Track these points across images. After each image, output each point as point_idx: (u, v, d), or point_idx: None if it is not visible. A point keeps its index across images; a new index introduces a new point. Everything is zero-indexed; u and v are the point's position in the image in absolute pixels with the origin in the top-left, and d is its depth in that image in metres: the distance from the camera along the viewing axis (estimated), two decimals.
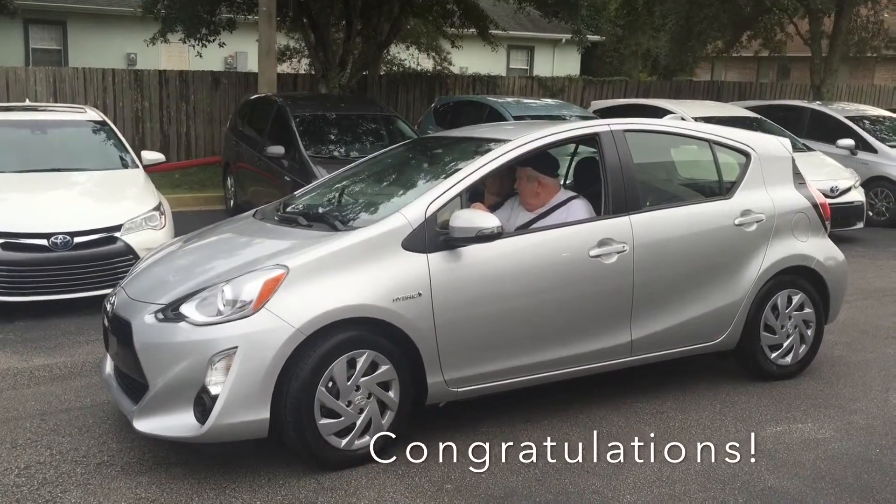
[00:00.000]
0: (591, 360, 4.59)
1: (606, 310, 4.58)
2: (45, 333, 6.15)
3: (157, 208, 7.24)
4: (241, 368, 3.66)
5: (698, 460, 4.10)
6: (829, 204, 10.36)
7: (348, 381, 3.87)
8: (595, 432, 4.40)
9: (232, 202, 11.55)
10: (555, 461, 4.07)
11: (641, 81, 22.84)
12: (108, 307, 4.34)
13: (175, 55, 21.40)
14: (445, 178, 4.39)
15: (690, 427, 4.52)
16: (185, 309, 3.84)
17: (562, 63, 27.51)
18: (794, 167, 5.43)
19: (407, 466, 3.99)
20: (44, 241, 6.53)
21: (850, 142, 12.66)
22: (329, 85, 14.56)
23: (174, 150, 16.18)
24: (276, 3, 13.26)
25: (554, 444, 4.25)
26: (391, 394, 4.01)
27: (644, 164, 5.04)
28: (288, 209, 4.92)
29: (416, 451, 4.11)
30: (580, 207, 4.79)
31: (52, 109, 9.08)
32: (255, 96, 12.18)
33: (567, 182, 5.49)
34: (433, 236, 4.11)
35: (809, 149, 12.02)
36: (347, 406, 3.89)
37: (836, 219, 10.80)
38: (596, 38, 24.11)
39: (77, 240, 6.62)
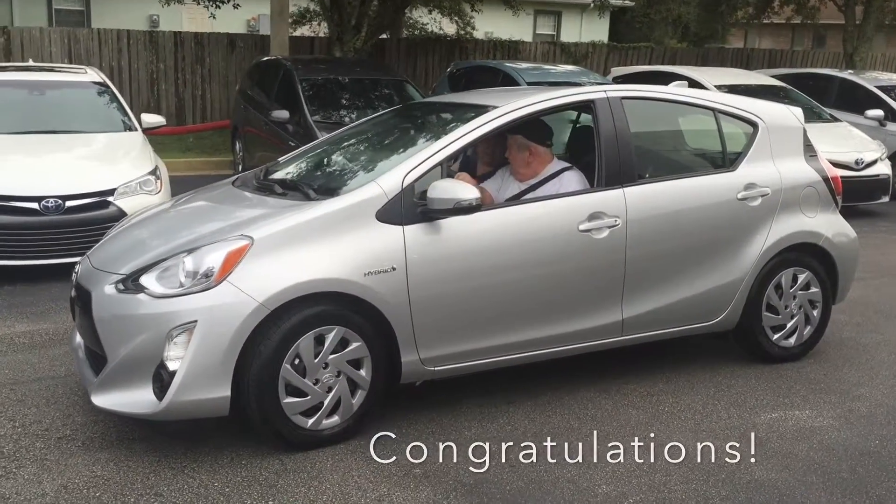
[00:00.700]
0: (578, 340, 4.37)
1: (596, 287, 4.35)
2: (33, 299, 6.05)
3: (153, 172, 7.09)
4: (200, 343, 3.48)
5: (683, 449, 3.88)
6: (854, 177, 10.21)
7: (316, 358, 3.69)
8: (579, 416, 4.20)
9: (241, 167, 11.38)
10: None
11: (670, 48, 22.25)
12: (74, 276, 4.18)
13: (197, 17, 21.14)
14: (426, 146, 4.16)
15: (681, 412, 4.30)
16: (145, 280, 3.67)
17: (590, 29, 26.89)
18: (806, 138, 5.13)
19: (378, 448, 3.80)
20: (35, 205, 6.41)
21: (879, 112, 12.19)
22: (343, 48, 14.27)
23: (189, 112, 16.06)
24: None
25: (534, 429, 4.06)
26: (362, 372, 3.83)
27: (643, 133, 4.77)
28: (268, 177, 4.72)
29: (385, 429, 3.95)
30: (573, 179, 4.54)
31: (52, 70, 8.93)
32: (265, 59, 11.96)
33: (564, 152, 5.23)
34: (410, 207, 3.89)
35: (836, 119, 11.60)
36: (315, 384, 3.72)
37: (861, 192, 10.48)
38: (622, 3, 23.55)
39: (69, 203, 6.50)
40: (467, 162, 5.22)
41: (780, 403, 4.43)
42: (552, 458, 3.78)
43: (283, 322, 3.60)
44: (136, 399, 3.61)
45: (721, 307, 4.72)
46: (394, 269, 3.80)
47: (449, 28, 21.80)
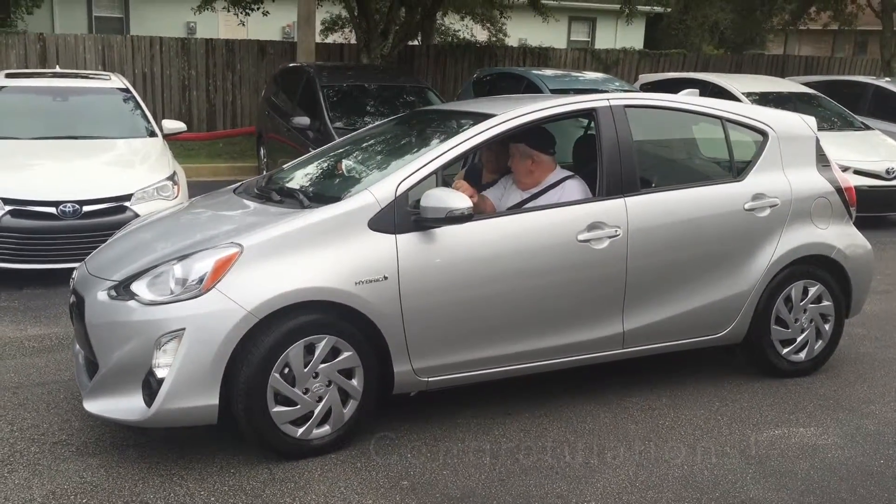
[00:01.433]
0: (577, 352, 4.30)
1: (595, 298, 4.27)
2: (48, 302, 6.12)
3: (171, 178, 7.15)
4: (188, 351, 3.48)
5: (680, 464, 3.80)
6: (884, 186, 9.97)
7: (305, 367, 3.67)
8: (576, 429, 4.14)
9: (264, 172, 11.45)
10: (525, 460, 3.81)
11: (703, 55, 21.99)
12: (72, 282, 4.22)
13: (232, 25, 21.39)
14: (421, 154, 4.12)
15: (681, 427, 4.21)
16: (136, 287, 3.68)
17: (624, 35, 26.72)
18: (819, 148, 5.00)
19: (366, 459, 3.78)
20: (52, 209, 6.50)
21: None
22: (371, 55, 14.34)
23: (220, 118, 16.22)
24: None
25: (528, 442, 4.00)
26: (354, 382, 3.80)
27: (646, 142, 4.70)
28: (269, 184, 4.72)
29: (380, 444, 3.92)
30: (575, 188, 4.48)
31: (76, 76, 9.06)
32: (289, 66, 12.03)
33: (570, 161, 5.16)
34: (403, 216, 3.86)
35: (868, 127, 11.34)
36: (304, 394, 3.70)
37: (891, 202, 10.24)
38: (656, 9, 23.32)
39: (86, 208, 6.57)
40: (473, 170, 5.18)
41: (784, 420, 4.31)
42: (544, 471, 3.71)
43: (272, 330, 3.58)
44: (125, 406, 3.62)
45: (728, 320, 4.62)
46: (385, 277, 3.76)
47: (481, 35, 21.81)
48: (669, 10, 26.51)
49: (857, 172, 9.95)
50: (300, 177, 4.77)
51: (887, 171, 10.06)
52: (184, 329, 3.50)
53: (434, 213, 3.81)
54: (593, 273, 4.23)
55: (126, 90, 8.50)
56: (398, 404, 4.14)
